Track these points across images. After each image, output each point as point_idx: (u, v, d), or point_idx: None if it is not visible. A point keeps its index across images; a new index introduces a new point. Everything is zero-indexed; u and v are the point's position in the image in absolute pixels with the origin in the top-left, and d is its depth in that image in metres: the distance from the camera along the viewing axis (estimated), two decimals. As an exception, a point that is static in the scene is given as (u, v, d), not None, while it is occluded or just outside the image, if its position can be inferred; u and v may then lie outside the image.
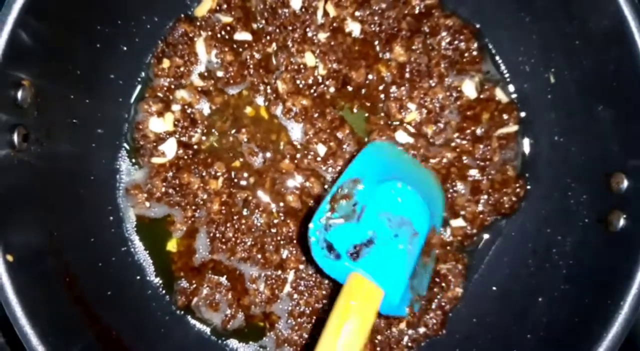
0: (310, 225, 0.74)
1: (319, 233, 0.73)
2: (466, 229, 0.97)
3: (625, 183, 0.77)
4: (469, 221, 0.97)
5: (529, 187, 0.96)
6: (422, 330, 0.95)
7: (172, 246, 0.96)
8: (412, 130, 0.97)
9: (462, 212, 0.96)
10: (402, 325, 0.94)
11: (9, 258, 0.68)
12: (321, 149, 0.95)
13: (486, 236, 0.99)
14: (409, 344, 0.95)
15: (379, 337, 0.94)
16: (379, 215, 0.74)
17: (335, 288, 0.93)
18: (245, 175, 0.96)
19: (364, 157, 0.83)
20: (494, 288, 0.96)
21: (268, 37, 0.98)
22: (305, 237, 0.77)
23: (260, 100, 0.98)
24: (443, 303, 0.95)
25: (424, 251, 0.79)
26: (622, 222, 0.76)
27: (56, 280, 0.77)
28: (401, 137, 0.96)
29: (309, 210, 0.95)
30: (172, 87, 0.97)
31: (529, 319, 0.87)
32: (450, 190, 0.96)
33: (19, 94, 0.72)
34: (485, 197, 0.95)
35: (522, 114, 0.98)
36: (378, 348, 0.94)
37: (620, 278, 0.72)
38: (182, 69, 0.97)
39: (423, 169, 0.88)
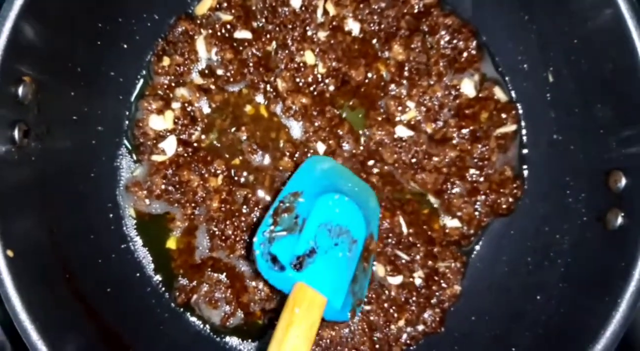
0: (255, 239, 0.77)
1: (263, 246, 0.76)
2: (462, 229, 0.97)
3: (624, 182, 0.77)
4: (465, 222, 0.97)
5: (527, 186, 0.96)
6: (420, 327, 0.95)
7: (171, 243, 0.96)
8: (412, 127, 0.97)
9: (459, 213, 0.97)
10: (401, 323, 0.95)
11: (9, 253, 0.68)
12: (320, 147, 0.96)
13: (484, 235, 0.99)
14: (408, 341, 0.95)
15: (377, 335, 0.95)
16: (319, 226, 0.78)
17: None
18: (245, 173, 0.97)
19: (304, 170, 0.87)
20: (493, 286, 0.96)
21: (268, 36, 0.98)
22: (250, 250, 0.79)
23: (260, 99, 0.99)
24: (442, 301, 0.95)
25: (363, 257, 0.82)
26: (620, 220, 0.76)
27: (56, 276, 0.77)
28: (401, 131, 0.96)
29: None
30: (173, 84, 0.97)
31: (527, 317, 0.87)
32: (448, 191, 0.96)
33: (20, 90, 0.72)
34: (482, 198, 0.96)
35: (521, 113, 0.98)
36: (377, 346, 0.94)
37: (618, 276, 0.73)
38: (182, 67, 0.97)
39: (360, 181, 0.92)
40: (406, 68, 0.97)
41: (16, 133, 0.72)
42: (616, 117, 0.79)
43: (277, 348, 0.68)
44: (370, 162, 0.98)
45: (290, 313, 0.70)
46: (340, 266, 0.77)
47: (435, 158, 0.96)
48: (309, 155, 0.96)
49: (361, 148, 0.98)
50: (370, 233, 0.84)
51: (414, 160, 0.97)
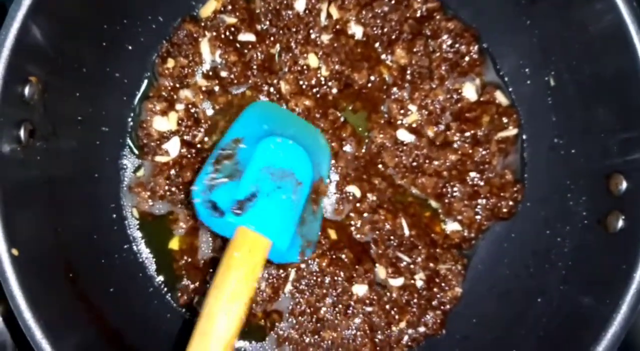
0: (194, 187, 0.77)
1: (203, 194, 0.76)
2: (463, 233, 0.98)
3: (624, 185, 0.77)
4: (466, 226, 0.97)
5: (528, 189, 0.97)
6: (422, 329, 0.95)
7: (174, 244, 0.97)
8: (414, 130, 0.98)
9: (459, 217, 0.97)
10: (402, 325, 0.95)
11: (14, 252, 0.69)
12: (323, 148, 0.96)
13: (485, 238, 0.99)
14: (409, 343, 0.96)
15: (379, 336, 0.95)
16: (260, 170, 0.78)
17: (336, 283, 0.94)
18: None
19: (245, 117, 0.87)
20: (494, 288, 0.96)
21: (272, 38, 0.99)
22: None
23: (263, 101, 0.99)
24: (443, 303, 0.96)
25: (311, 199, 0.82)
26: (620, 223, 0.76)
27: (60, 274, 0.77)
28: (403, 135, 0.97)
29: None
30: (177, 86, 0.98)
31: (528, 319, 0.87)
32: (448, 195, 0.97)
33: (26, 90, 0.73)
34: (483, 201, 0.96)
35: (522, 117, 0.98)
36: (378, 348, 0.95)
37: (619, 278, 0.73)
38: (186, 68, 0.98)
39: (307, 125, 0.91)
40: (408, 71, 0.98)
41: (22, 133, 0.73)
42: (617, 120, 0.80)
43: (215, 293, 0.67)
44: (372, 165, 0.98)
45: (229, 257, 0.70)
46: (283, 208, 0.77)
47: (436, 162, 0.96)
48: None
49: (363, 150, 0.98)
50: (319, 176, 0.84)
51: (414, 164, 0.97)
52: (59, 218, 0.80)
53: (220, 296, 0.67)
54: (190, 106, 0.97)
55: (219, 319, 0.66)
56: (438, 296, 0.96)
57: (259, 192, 0.76)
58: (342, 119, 0.98)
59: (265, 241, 0.73)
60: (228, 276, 0.68)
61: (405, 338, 0.96)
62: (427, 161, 0.97)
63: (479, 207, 0.96)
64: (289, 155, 0.80)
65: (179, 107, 0.97)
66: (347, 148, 0.97)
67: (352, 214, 0.97)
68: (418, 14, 1.00)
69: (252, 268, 0.70)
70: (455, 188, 0.96)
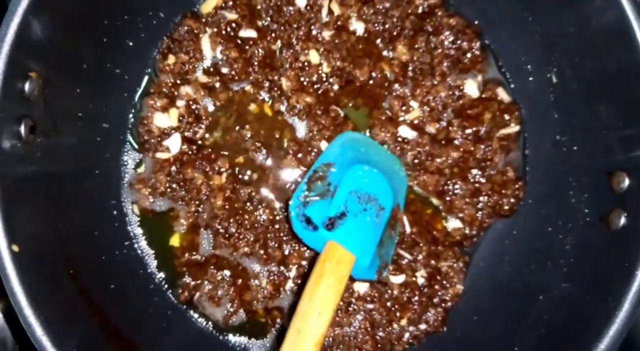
0: (290, 202, 0.85)
1: (298, 209, 0.85)
2: (465, 230, 0.98)
3: (627, 182, 0.77)
4: (467, 223, 0.97)
5: (530, 186, 0.96)
6: (423, 326, 0.95)
7: (175, 241, 0.96)
8: (415, 127, 0.98)
9: (460, 215, 0.97)
10: (403, 322, 0.95)
11: (15, 248, 0.68)
12: (324, 146, 0.96)
13: (487, 235, 0.99)
14: (410, 341, 0.95)
15: (380, 333, 0.95)
16: (349, 193, 0.86)
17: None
18: (249, 171, 0.97)
19: (337, 144, 0.94)
20: (495, 286, 0.96)
21: (273, 35, 0.99)
22: (288, 217, 0.87)
23: (264, 97, 0.99)
24: (444, 301, 0.95)
25: (389, 224, 0.89)
26: (622, 221, 0.76)
27: (60, 271, 0.77)
28: (405, 131, 0.97)
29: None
30: (177, 82, 0.98)
31: (529, 317, 0.87)
32: (450, 192, 0.96)
33: (27, 86, 0.72)
34: (485, 199, 0.96)
35: (524, 114, 0.98)
36: (379, 345, 0.95)
37: (621, 276, 0.73)
38: (187, 65, 0.97)
39: (389, 155, 0.97)
40: (410, 68, 0.98)
41: (22, 129, 0.72)
42: (619, 117, 0.79)
43: (309, 297, 0.74)
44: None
45: (322, 266, 0.77)
46: (368, 229, 0.85)
47: (438, 159, 0.96)
48: (312, 153, 0.96)
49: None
50: (397, 203, 0.90)
51: (416, 161, 0.97)
52: (59, 214, 0.80)
53: (314, 300, 0.74)
54: (191, 102, 0.97)
55: (313, 319, 0.72)
56: (439, 293, 0.96)
57: (348, 212, 0.84)
58: (342, 116, 0.98)
59: (351, 256, 0.80)
60: (320, 283, 0.75)
61: (407, 335, 0.96)
62: (428, 158, 0.96)
63: (480, 204, 0.96)
64: (374, 182, 0.88)
65: (180, 103, 0.96)
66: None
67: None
68: (419, 10, 0.99)
69: (340, 278, 0.77)
70: (456, 186, 0.96)
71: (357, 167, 0.88)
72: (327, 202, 0.84)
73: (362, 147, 0.95)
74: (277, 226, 0.96)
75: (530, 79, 0.96)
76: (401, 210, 0.93)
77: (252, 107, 0.99)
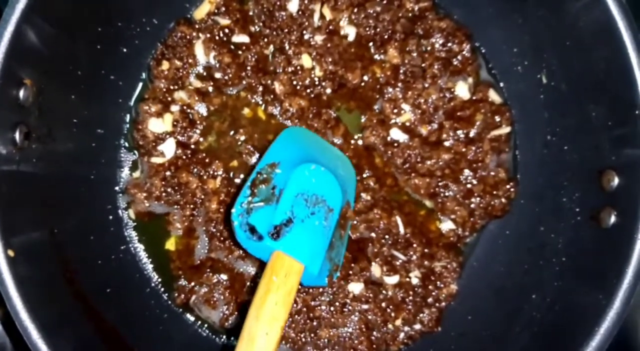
0: (233, 210, 0.80)
1: (241, 217, 0.79)
2: (457, 231, 0.98)
3: (616, 181, 0.77)
4: (460, 225, 0.98)
5: (522, 186, 0.97)
6: (417, 326, 0.96)
7: (170, 244, 0.97)
8: (407, 129, 0.99)
9: (453, 216, 0.97)
10: (398, 322, 0.95)
11: (10, 253, 0.69)
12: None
13: (480, 235, 1.00)
14: (405, 341, 0.96)
15: (375, 334, 0.95)
16: (295, 196, 0.82)
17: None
18: (243, 175, 0.98)
19: (281, 142, 0.90)
20: (489, 285, 0.97)
21: (265, 40, 1.00)
22: (229, 221, 0.83)
23: (257, 101, 1.00)
24: (438, 300, 0.96)
25: (339, 224, 0.86)
26: (613, 219, 0.77)
27: (56, 276, 0.78)
28: (396, 134, 0.97)
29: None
30: (172, 88, 0.98)
31: (523, 315, 0.88)
32: (442, 194, 0.97)
33: (21, 93, 0.73)
34: (477, 200, 0.96)
35: (515, 114, 0.99)
36: (374, 345, 0.95)
37: (612, 274, 0.73)
38: (181, 70, 0.98)
39: (336, 150, 0.95)
40: (401, 71, 0.99)
41: (17, 136, 0.73)
42: (609, 116, 0.80)
43: (255, 314, 0.70)
44: (365, 165, 0.99)
45: (268, 280, 0.74)
46: (316, 234, 0.81)
47: (429, 162, 0.97)
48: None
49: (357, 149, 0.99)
50: (346, 201, 0.87)
51: (407, 165, 0.98)
52: (55, 219, 0.80)
53: (261, 318, 0.70)
54: (185, 107, 0.98)
55: (260, 340, 0.69)
56: (433, 293, 0.96)
57: (295, 217, 0.80)
58: (334, 119, 0.99)
59: (300, 265, 0.77)
60: (267, 299, 0.72)
61: (402, 335, 0.96)
62: (419, 161, 0.97)
63: (472, 205, 0.96)
64: (321, 182, 0.84)
65: (174, 108, 0.97)
66: (339, 148, 0.98)
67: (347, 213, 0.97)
68: (410, 14, 1.00)
69: (288, 291, 0.73)
70: (448, 188, 0.97)
71: (303, 166, 0.84)
72: (272, 208, 0.80)
73: (307, 143, 0.91)
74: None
75: (521, 80, 0.97)
76: (351, 208, 0.89)
77: (246, 111, 1.00)
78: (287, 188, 0.82)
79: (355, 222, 0.95)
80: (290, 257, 0.77)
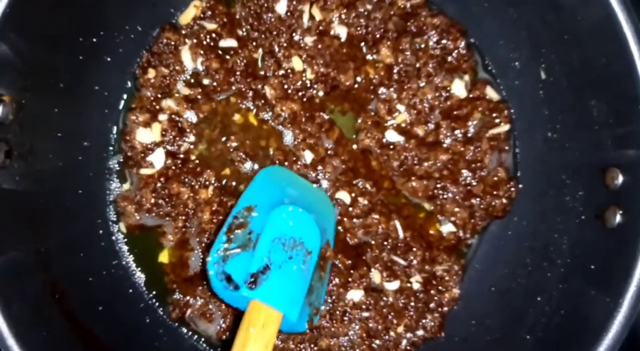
0: (208, 259, 0.77)
1: (217, 265, 0.76)
2: (458, 234, 0.96)
3: (621, 179, 0.75)
4: (461, 227, 0.96)
5: (523, 186, 0.95)
6: (420, 333, 0.94)
7: (164, 257, 0.95)
8: (403, 130, 0.96)
9: (452, 218, 0.95)
10: (400, 329, 0.93)
11: (-6, 276, 0.67)
12: (308, 156, 0.94)
13: (482, 237, 0.98)
14: (408, 348, 0.94)
15: (377, 342, 0.93)
16: (272, 241, 0.79)
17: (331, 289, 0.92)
18: (235, 182, 0.96)
19: (257, 183, 0.88)
20: (492, 288, 0.95)
21: (254, 43, 0.97)
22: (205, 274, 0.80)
23: (248, 107, 0.97)
24: (441, 305, 0.94)
25: (319, 266, 0.84)
26: (618, 218, 0.75)
27: (45, 296, 0.76)
28: (392, 136, 0.95)
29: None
30: (159, 96, 0.96)
31: (527, 319, 0.86)
32: (440, 196, 0.95)
33: (0, 110, 0.71)
34: (477, 201, 0.94)
35: (514, 111, 0.96)
36: (376, 354, 0.93)
37: (619, 275, 0.71)
38: (168, 78, 0.96)
39: (313, 188, 0.93)
40: (395, 70, 0.96)
41: (-3, 154, 0.71)
42: (611, 112, 0.78)
43: None
44: (361, 168, 0.97)
45: (245, 332, 0.72)
46: (294, 279, 0.78)
47: (426, 163, 0.95)
48: (299, 163, 0.95)
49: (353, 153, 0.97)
50: (326, 240, 0.85)
51: (404, 168, 0.95)
52: (41, 238, 0.79)
53: None
54: (173, 116, 0.96)
55: None
56: (435, 298, 0.94)
57: (272, 263, 0.77)
58: (328, 122, 0.96)
59: (278, 314, 0.75)
60: None
61: (404, 342, 0.94)
62: (416, 163, 0.95)
63: (473, 206, 0.94)
64: (299, 224, 0.82)
65: (162, 117, 0.95)
66: (334, 153, 0.96)
67: (344, 219, 0.95)
68: (403, 11, 0.98)
69: (266, 343, 0.72)
70: (447, 189, 0.95)
71: (280, 209, 0.82)
72: (248, 255, 0.77)
73: (284, 183, 0.90)
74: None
75: (519, 76, 0.95)
76: (331, 247, 0.87)
77: (237, 117, 0.97)
78: (263, 233, 0.79)
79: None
80: (268, 306, 0.74)
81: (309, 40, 0.96)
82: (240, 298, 0.76)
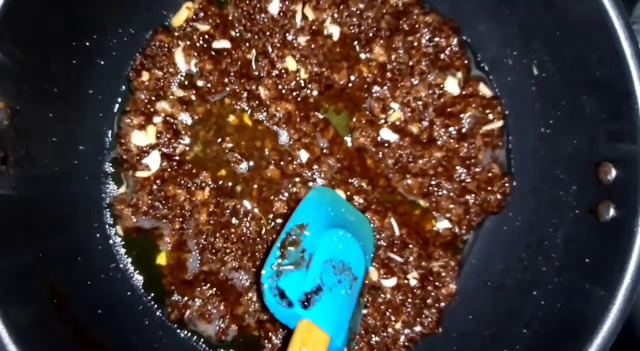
0: (263, 272, 0.77)
1: (271, 279, 0.77)
2: (454, 230, 0.97)
3: (614, 173, 0.76)
4: (456, 223, 0.96)
5: (517, 181, 0.95)
6: (418, 328, 0.94)
7: (161, 259, 0.95)
8: (397, 128, 0.96)
9: (448, 215, 0.96)
10: (398, 325, 0.94)
11: (-7, 282, 0.67)
12: (303, 155, 0.95)
13: (477, 232, 0.98)
14: (406, 343, 0.95)
15: (375, 338, 0.94)
16: (324, 263, 0.79)
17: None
18: (232, 183, 0.96)
19: (308, 202, 0.88)
20: (489, 283, 0.95)
21: (247, 44, 0.97)
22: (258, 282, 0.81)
23: (243, 108, 0.97)
24: (438, 301, 0.94)
25: (361, 293, 0.84)
26: (612, 212, 0.75)
27: (44, 301, 0.76)
28: (386, 134, 0.95)
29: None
30: (153, 99, 0.96)
31: (524, 313, 0.86)
32: (435, 193, 0.95)
33: (-6, 117, 0.71)
34: (471, 197, 0.95)
35: (507, 107, 0.97)
36: (375, 350, 0.94)
37: (613, 268, 0.72)
38: (162, 80, 0.96)
39: (357, 213, 0.93)
40: (388, 69, 0.96)
41: (-7, 161, 0.71)
42: (603, 107, 0.78)
43: None
44: (357, 166, 0.97)
45: None
46: (342, 304, 0.79)
47: (421, 161, 0.95)
48: (294, 162, 0.95)
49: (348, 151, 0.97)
50: (367, 267, 0.86)
51: (398, 165, 0.96)
52: (39, 243, 0.78)
53: None
54: (168, 118, 0.95)
55: None
56: (432, 294, 0.95)
57: (323, 285, 0.77)
58: (323, 121, 0.97)
59: (327, 337, 0.74)
60: None
61: (402, 338, 0.95)
62: (411, 160, 0.95)
63: (467, 202, 0.95)
64: (348, 249, 0.82)
65: (157, 119, 0.95)
66: (329, 152, 0.96)
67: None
68: (395, 9, 0.98)
69: None
70: (442, 186, 0.95)
71: (331, 232, 0.82)
72: (302, 273, 0.77)
73: (333, 205, 0.90)
74: (264, 237, 0.94)
75: (511, 72, 0.95)
76: (369, 273, 0.89)
77: (231, 118, 0.97)
78: (317, 254, 0.79)
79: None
80: (319, 327, 0.74)
81: (302, 40, 0.96)
82: (291, 315, 0.76)
